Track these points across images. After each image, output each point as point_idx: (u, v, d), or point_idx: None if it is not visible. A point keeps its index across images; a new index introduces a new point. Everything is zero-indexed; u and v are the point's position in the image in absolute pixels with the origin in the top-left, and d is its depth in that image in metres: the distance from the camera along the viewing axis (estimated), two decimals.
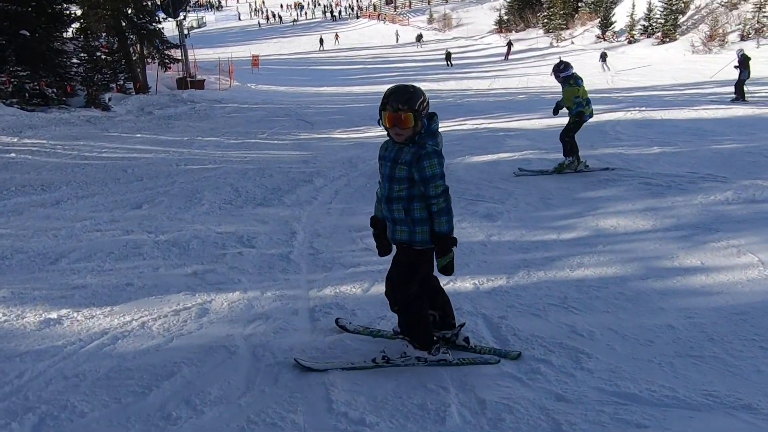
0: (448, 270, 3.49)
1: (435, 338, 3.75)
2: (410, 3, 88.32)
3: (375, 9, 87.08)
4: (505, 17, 65.61)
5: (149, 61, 29.69)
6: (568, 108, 9.94)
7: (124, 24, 26.81)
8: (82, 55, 23.79)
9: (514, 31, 62.97)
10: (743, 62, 20.04)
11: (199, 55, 37.14)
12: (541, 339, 3.98)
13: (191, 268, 5.31)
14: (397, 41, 62.51)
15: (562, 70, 9.92)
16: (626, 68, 36.78)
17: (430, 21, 72.82)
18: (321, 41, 61.13)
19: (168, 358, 3.67)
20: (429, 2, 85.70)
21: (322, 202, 8.00)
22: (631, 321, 4.28)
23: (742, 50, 21.45)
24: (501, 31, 63.78)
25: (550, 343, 3.92)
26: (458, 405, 3.22)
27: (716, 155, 10.69)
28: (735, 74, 20.65)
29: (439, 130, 3.54)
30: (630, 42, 48.38)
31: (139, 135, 14.92)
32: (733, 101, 19.62)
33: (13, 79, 17.70)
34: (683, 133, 13.54)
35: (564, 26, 57.16)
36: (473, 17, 72.33)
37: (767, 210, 7.02)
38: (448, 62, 44.43)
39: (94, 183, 8.82)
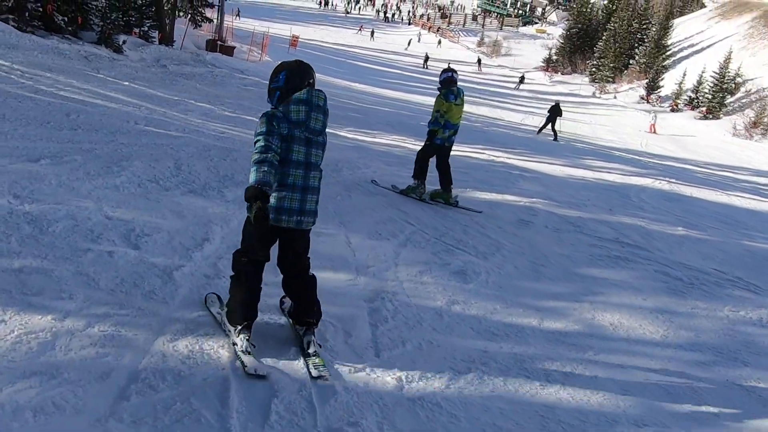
0: (255, 221, 3.17)
1: (245, 321, 3.45)
2: (465, 22, 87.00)
3: (428, 19, 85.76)
4: (554, 57, 64.27)
5: (181, 14, 28.47)
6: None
7: None
8: None
9: (560, 73, 61.68)
10: (554, 110, 23.93)
11: (239, 23, 35.98)
12: None
13: (22, 261, 3.78)
14: (408, 45, 61.15)
15: (440, 73, 8.51)
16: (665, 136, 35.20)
17: (480, 44, 71.38)
18: (372, 33, 64.30)
19: None
20: (483, 25, 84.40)
21: None
22: None
23: (557, 102, 25.12)
24: (547, 70, 62.46)
25: None
26: None
27: (748, 255, 9.15)
28: None
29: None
30: (673, 110, 46.77)
31: (126, 83, 13.50)
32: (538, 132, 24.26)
33: None
34: (712, 217, 12.01)
35: (611, 79, 55.67)
36: (523, 50, 71.03)
37: None
38: (425, 65, 50.03)
39: (13, 120, 7.21)
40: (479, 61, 58.67)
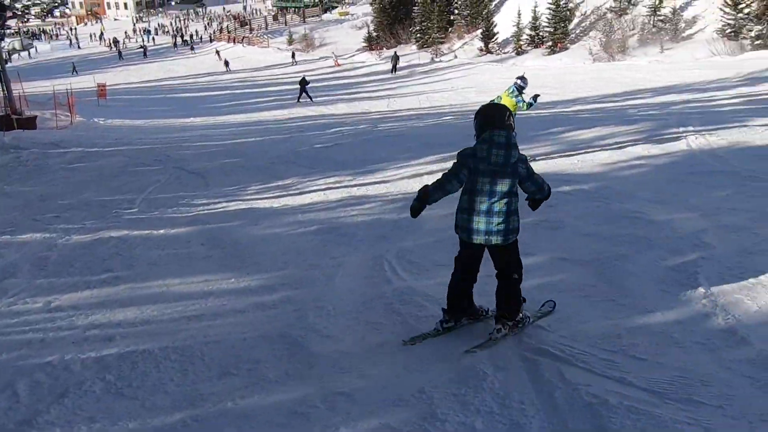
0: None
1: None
2: (267, 24, 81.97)
3: (229, 32, 79.92)
4: (374, 34, 61.19)
5: None
6: None
7: None
8: None
9: (385, 48, 58.82)
10: (302, 81, 31.52)
11: (30, 88, 29.35)
12: None
13: None
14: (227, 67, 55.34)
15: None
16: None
17: (290, 42, 66.86)
18: (217, 52, 62.87)
19: None
20: (286, 23, 80.00)
21: None
22: None
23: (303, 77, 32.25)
24: (372, 48, 59.39)
25: None
26: None
27: None
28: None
29: None
30: (518, 53, 45.47)
31: None
32: None
33: None
34: None
35: (441, 40, 53.48)
36: (335, 36, 67.57)
37: None
38: (394, 70, 45.06)
39: None
40: (293, 54, 57.94)
